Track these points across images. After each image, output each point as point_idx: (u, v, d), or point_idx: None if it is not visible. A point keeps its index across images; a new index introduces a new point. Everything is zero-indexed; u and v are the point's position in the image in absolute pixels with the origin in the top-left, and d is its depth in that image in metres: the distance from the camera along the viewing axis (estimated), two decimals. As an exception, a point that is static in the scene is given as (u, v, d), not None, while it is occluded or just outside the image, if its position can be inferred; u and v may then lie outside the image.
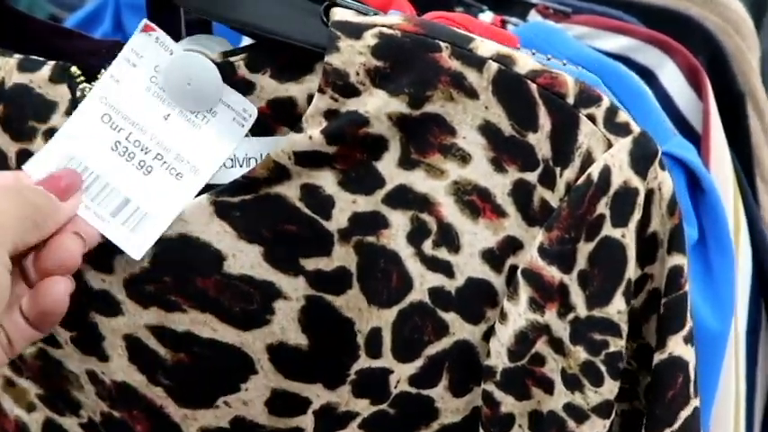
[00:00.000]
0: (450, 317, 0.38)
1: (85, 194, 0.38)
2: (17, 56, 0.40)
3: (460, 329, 0.38)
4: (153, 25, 0.38)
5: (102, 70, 0.39)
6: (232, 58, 0.38)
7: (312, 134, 0.36)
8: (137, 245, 0.38)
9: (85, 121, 0.39)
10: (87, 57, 0.41)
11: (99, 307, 0.41)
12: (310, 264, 0.39)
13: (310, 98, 0.37)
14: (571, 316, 0.36)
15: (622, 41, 0.56)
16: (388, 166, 0.37)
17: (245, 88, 0.38)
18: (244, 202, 0.38)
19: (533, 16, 0.57)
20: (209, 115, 0.39)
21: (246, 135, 0.39)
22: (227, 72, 0.38)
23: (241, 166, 0.40)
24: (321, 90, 0.36)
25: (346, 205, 0.38)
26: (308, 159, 0.37)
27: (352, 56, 0.36)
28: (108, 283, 0.41)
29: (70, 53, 0.41)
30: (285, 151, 0.37)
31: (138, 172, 0.39)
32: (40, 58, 0.40)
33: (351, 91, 0.36)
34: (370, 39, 0.36)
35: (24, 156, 0.40)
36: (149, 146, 0.39)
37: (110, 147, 0.39)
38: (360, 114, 0.36)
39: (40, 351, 0.43)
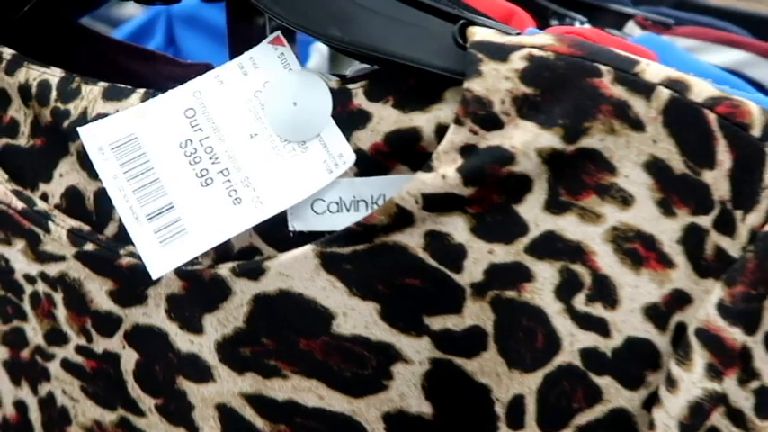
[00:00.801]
0: (605, 381, 0.32)
1: (130, 182, 0.33)
2: (101, 84, 0.35)
3: (616, 396, 0.32)
4: (283, 39, 0.33)
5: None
6: (350, 86, 0.33)
7: (446, 173, 0.30)
8: (159, 262, 0.33)
9: (167, 107, 0.34)
10: (174, 82, 0.35)
11: (188, 372, 0.35)
12: (437, 323, 0.33)
13: (439, 130, 0.32)
14: (755, 384, 0.30)
15: (734, 55, 0.50)
16: (532, 210, 0.31)
17: (360, 120, 0.33)
18: (356, 253, 0.32)
19: (631, 28, 0.51)
20: (298, 149, 0.33)
21: (353, 175, 0.33)
22: (342, 100, 0.33)
23: (348, 211, 0.34)
24: (458, 121, 0.30)
25: (481, 255, 0.32)
26: (438, 203, 0.31)
27: (496, 82, 0.30)
28: (197, 346, 0.35)
29: (155, 79, 0.36)
30: (411, 194, 0.31)
31: (197, 181, 0.33)
32: (128, 86, 0.34)
33: (493, 123, 0.30)
34: (518, 62, 0.30)
35: (104, 197, 0.34)
36: (220, 157, 0.33)
37: (179, 142, 0.33)
38: (504, 150, 0.30)
39: (121, 419, 0.37)
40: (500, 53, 0.30)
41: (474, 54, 0.30)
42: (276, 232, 0.34)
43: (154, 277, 0.32)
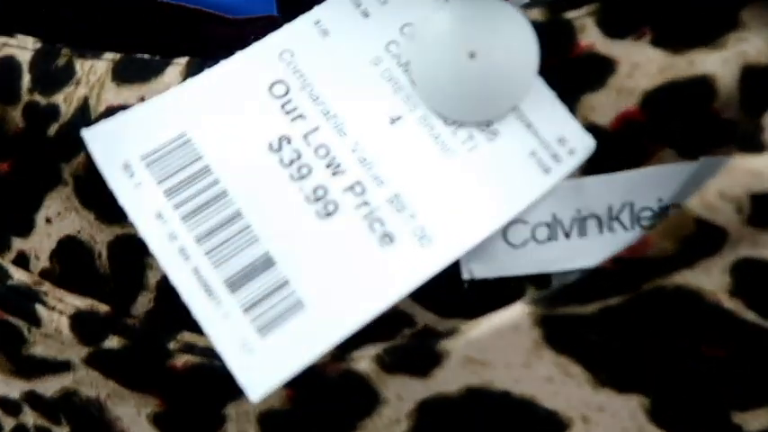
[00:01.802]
0: None
1: (190, 222, 0.18)
2: (109, 55, 0.20)
3: None
4: None
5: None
6: (571, 15, 0.18)
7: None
8: (260, 368, 0.17)
9: (237, 82, 0.19)
10: (228, 49, 0.20)
11: None
12: (756, 419, 0.18)
13: (748, 77, 0.17)
14: None
15: None
16: None
17: (594, 73, 0.18)
18: (609, 312, 0.18)
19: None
20: (480, 136, 0.19)
21: (579, 174, 0.19)
22: (558, 42, 0.18)
23: (567, 237, 0.19)
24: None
25: (844, 295, 0.17)
26: (776, 209, 0.17)
27: None
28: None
29: (197, 46, 0.20)
30: (731, 196, 0.16)
31: (308, 208, 0.18)
32: (154, 57, 0.19)
33: None
34: None
35: (127, 248, 0.19)
36: (344, 162, 0.18)
37: (267, 143, 0.18)
38: None
39: None
40: None
41: None
42: (436, 283, 0.20)
43: (254, 399, 0.17)
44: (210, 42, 0.22)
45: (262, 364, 0.17)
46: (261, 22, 0.23)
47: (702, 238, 0.17)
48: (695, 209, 0.17)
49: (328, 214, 0.18)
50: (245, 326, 0.17)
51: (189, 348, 0.20)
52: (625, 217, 0.19)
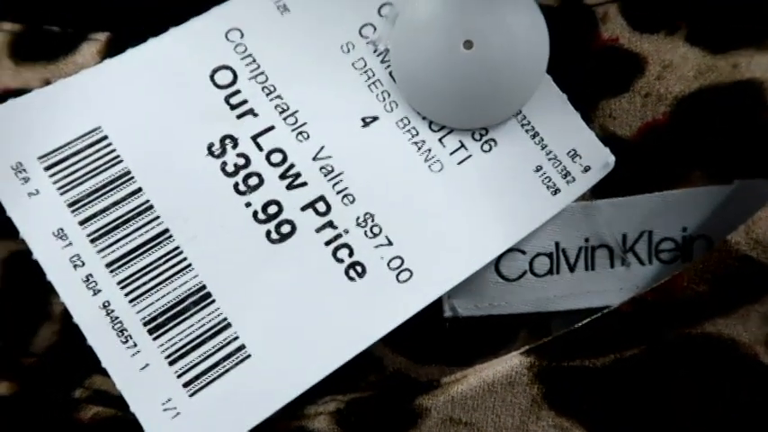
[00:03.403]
0: None
1: (98, 241, 0.14)
2: (7, 26, 0.17)
3: None
4: None
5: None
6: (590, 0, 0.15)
7: None
8: None
9: (172, 66, 0.15)
10: (157, 23, 0.16)
11: None
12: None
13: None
14: None
15: None
16: None
17: (620, 72, 0.15)
18: (621, 365, 0.15)
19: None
20: (473, 145, 0.15)
21: (590, 195, 0.15)
22: (575, 32, 0.15)
23: (572, 270, 0.16)
24: None
25: None
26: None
27: None
28: None
29: (120, 17, 0.16)
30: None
31: (256, 229, 0.14)
32: (65, 30, 0.16)
33: None
34: None
35: (20, 265, 0.15)
36: (305, 173, 0.15)
37: (206, 143, 0.14)
38: None
39: None
40: None
41: None
42: (409, 320, 0.16)
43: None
44: (137, 14, 0.18)
45: (189, 430, 0.13)
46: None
47: (746, 281, 0.14)
48: (740, 245, 0.14)
49: (282, 237, 0.14)
50: (170, 380, 0.13)
51: (100, 397, 0.16)
52: (642, 249, 0.16)
